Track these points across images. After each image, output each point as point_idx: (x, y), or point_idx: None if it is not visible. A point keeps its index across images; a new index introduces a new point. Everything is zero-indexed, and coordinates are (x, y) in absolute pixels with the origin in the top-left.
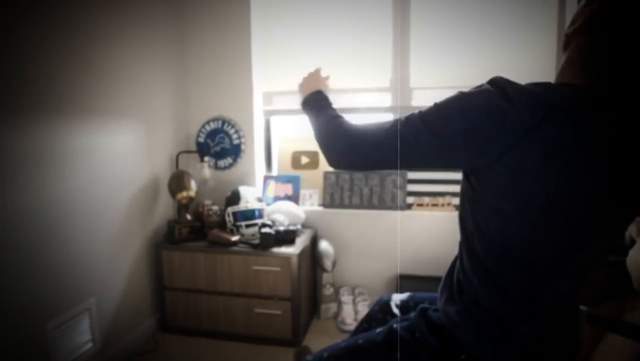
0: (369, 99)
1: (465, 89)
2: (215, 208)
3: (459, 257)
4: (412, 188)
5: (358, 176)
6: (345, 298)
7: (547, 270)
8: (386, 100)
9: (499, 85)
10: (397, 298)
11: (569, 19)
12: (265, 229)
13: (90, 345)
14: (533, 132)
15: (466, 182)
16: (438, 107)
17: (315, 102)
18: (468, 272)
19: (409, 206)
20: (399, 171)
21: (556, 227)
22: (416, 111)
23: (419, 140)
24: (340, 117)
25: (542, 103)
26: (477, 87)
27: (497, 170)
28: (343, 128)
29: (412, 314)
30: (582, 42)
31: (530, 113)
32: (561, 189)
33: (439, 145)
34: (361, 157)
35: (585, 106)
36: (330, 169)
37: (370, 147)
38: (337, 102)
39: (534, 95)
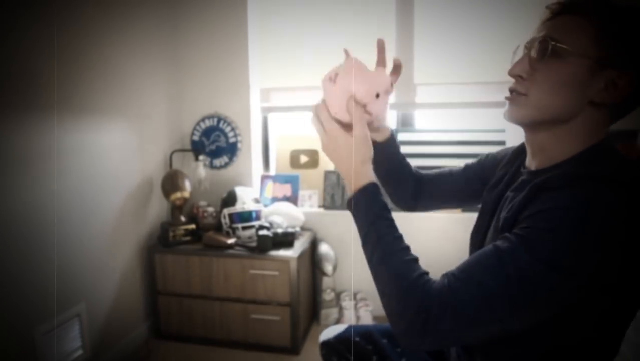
0: None
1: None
2: (210, 209)
3: None
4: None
5: None
6: (347, 303)
7: None
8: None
9: (609, 181)
10: (330, 334)
11: None
12: (263, 232)
13: (80, 352)
14: None
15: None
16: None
17: (375, 218)
18: None
19: None
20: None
21: None
22: (519, 248)
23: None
24: (416, 259)
25: None
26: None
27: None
28: (430, 282)
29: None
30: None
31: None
32: None
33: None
34: (466, 324)
35: None
36: (331, 168)
37: (484, 306)
38: None
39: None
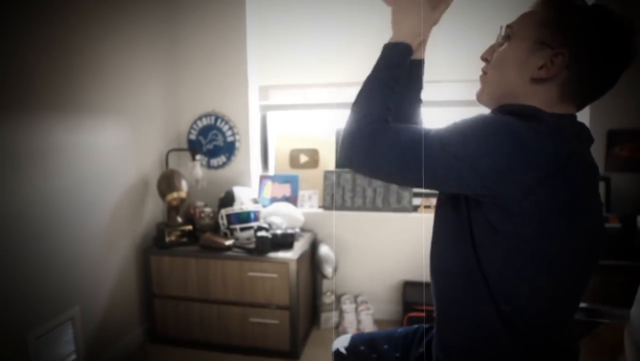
0: None
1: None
2: (207, 209)
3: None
4: (418, 188)
5: (361, 175)
6: (347, 306)
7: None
8: None
9: (517, 113)
10: (340, 344)
11: None
12: (262, 233)
13: (74, 356)
14: (567, 166)
15: (483, 222)
16: (463, 132)
17: (385, 68)
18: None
19: (415, 208)
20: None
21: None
22: (433, 130)
23: (441, 161)
24: (389, 111)
25: (571, 134)
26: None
27: (531, 203)
28: (384, 126)
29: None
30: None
31: (564, 145)
32: (586, 222)
33: (459, 167)
34: (379, 162)
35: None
36: (331, 168)
37: (396, 155)
38: (339, 97)
39: (561, 127)
